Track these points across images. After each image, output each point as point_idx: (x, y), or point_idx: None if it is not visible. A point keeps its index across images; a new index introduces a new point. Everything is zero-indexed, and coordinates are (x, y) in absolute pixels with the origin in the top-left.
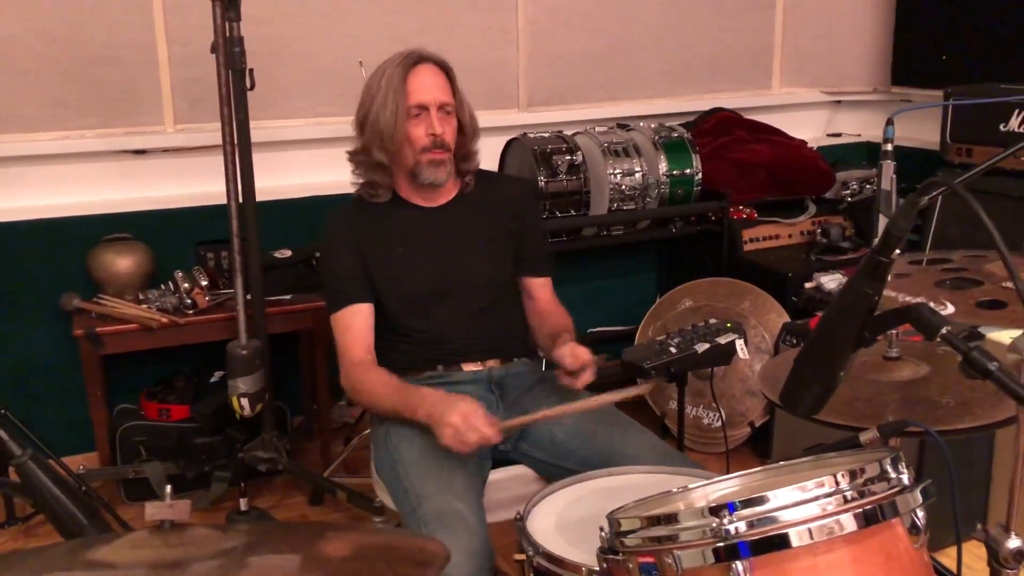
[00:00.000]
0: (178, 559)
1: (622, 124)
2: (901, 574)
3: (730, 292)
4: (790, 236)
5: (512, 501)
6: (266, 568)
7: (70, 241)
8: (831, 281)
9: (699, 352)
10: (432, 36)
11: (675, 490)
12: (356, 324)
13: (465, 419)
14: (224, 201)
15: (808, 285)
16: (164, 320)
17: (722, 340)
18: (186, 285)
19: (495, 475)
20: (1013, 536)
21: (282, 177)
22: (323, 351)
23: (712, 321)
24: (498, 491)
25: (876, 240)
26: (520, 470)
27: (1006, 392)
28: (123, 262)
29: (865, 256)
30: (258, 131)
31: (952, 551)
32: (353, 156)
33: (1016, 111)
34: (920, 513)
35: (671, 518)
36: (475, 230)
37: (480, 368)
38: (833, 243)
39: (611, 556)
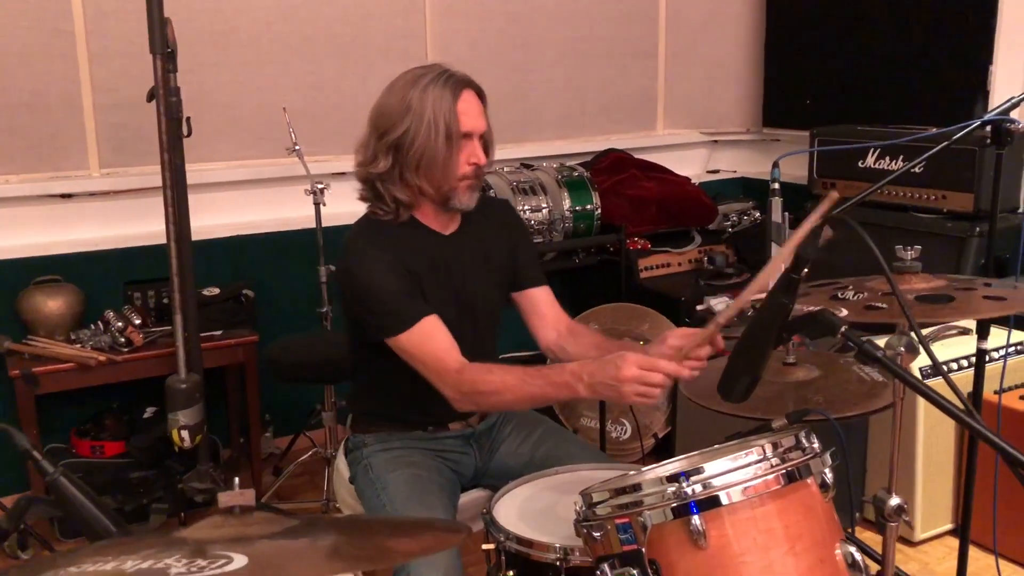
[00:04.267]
0: (254, 534)
1: (527, 164)
2: (815, 521)
3: (631, 316)
4: (680, 264)
5: (471, 520)
6: (323, 540)
7: None
8: (719, 303)
9: None
10: (348, 83)
11: (631, 473)
12: (436, 331)
13: (640, 364)
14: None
15: (699, 307)
16: (102, 359)
17: None
18: (119, 324)
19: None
20: (893, 496)
21: (207, 217)
22: (255, 383)
23: None
24: (460, 513)
25: (787, 263)
26: (479, 493)
27: (889, 372)
28: (53, 303)
29: (782, 274)
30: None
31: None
32: (377, 176)
33: (872, 150)
34: (828, 473)
35: (636, 487)
36: (482, 256)
37: (466, 428)
38: (719, 269)
39: (587, 523)
